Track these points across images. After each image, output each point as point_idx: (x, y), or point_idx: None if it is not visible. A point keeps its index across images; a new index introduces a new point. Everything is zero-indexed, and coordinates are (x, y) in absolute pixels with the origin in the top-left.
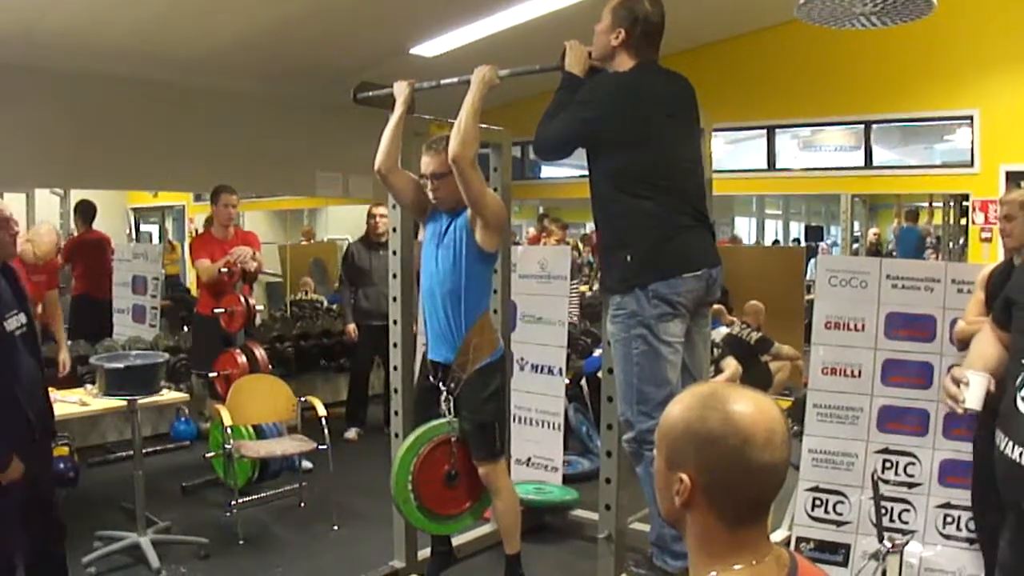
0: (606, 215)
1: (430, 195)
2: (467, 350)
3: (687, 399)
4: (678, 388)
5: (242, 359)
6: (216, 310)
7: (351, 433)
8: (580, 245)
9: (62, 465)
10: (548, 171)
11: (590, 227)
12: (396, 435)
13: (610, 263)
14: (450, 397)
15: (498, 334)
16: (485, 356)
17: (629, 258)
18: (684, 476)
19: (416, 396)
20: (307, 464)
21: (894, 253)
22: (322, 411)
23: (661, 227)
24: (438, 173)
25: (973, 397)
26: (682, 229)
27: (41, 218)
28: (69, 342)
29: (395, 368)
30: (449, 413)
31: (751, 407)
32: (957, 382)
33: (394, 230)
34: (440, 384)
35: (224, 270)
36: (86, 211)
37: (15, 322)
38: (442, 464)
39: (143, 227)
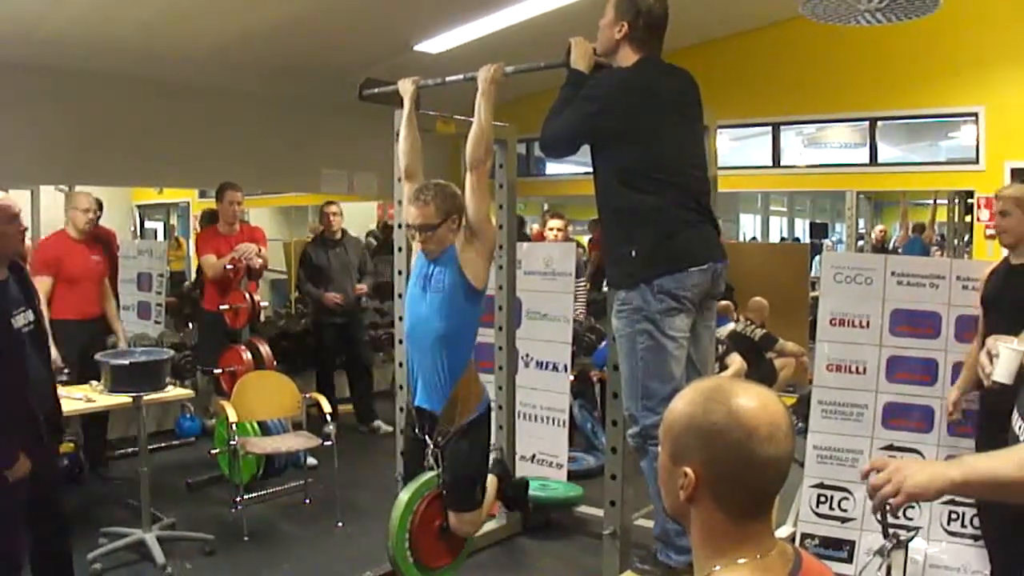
0: (610, 210)
1: (418, 245)
2: (455, 404)
3: (691, 394)
4: (683, 383)
5: (247, 355)
6: (221, 307)
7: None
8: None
9: (67, 461)
10: (553, 168)
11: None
12: (401, 431)
13: (615, 258)
14: (437, 451)
15: (483, 385)
16: (472, 410)
17: (634, 253)
18: (688, 470)
19: (406, 446)
20: (312, 460)
21: (899, 251)
22: (327, 407)
23: (665, 222)
24: (426, 226)
25: (1002, 370)
26: (686, 224)
27: (46, 216)
28: None
29: (400, 365)
30: (438, 466)
31: (754, 401)
32: (990, 354)
33: (399, 226)
34: (427, 437)
35: (229, 267)
36: None
37: (23, 319)
38: (435, 518)
39: (147, 224)
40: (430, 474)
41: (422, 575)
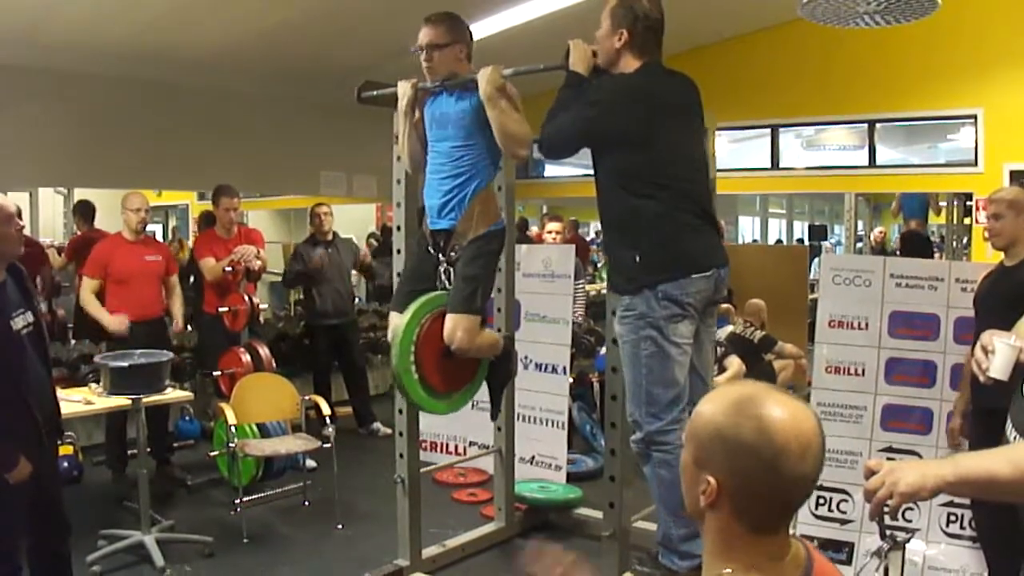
0: (613, 215)
1: (423, 66)
2: (471, 217)
3: (722, 401)
4: (686, 389)
5: (246, 358)
6: (220, 309)
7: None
8: None
9: (66, 464)
10: (552, 170)
11: (595, 227)
12: (400, 434)
13: (617, 263)
14: (449, 268)
15: (500, 208)
16: (487, 224)
17: (637, 258)
18: (711, 479)
19: (412, 267)
20: (311, 463)
21: (901, 213)
22: (326, 410)
23: (668, 227)
24: (432, 45)
25: (998, 366)
26: (689, 229)
27: (44, 217)
28: (74, 341)
29: None
30: (450, 284)
31: (787, 416)
32: (986, 350)
33: (398, 228)
34: (440, 255)
35: (228, 269)
36: (85, 210)
37: (22, 321)
38: (442, 334)
39: (147, 226)
40: (440, 292)
41: (427, 396)
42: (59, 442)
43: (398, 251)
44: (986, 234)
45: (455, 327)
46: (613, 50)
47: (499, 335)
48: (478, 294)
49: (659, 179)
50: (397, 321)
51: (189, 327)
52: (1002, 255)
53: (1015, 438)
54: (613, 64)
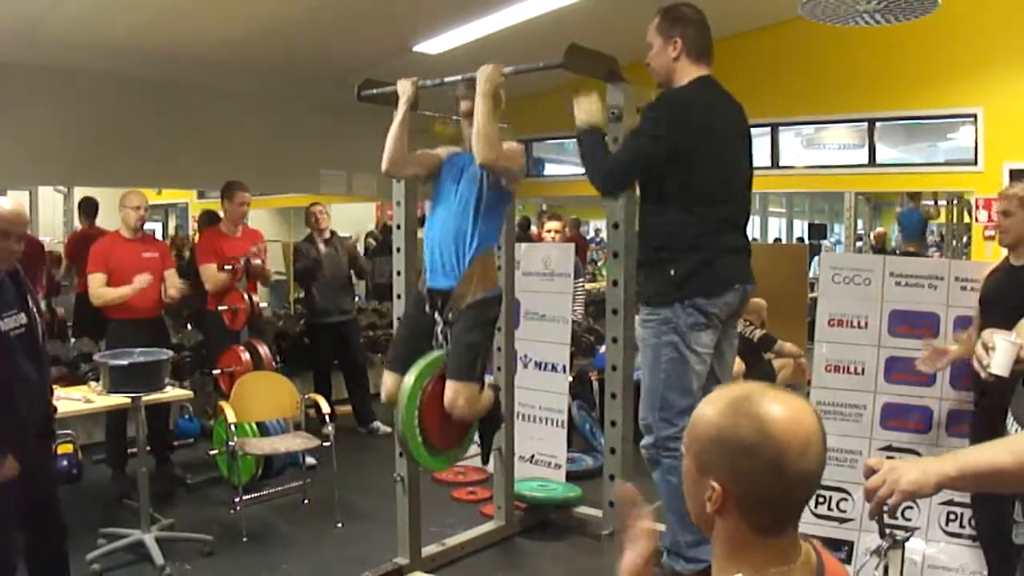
0: (653, 227)
1: (465, 131)
2: (469, 280)
3: (720, 403)
4: (700, 399)
5: (246, 356)
6: (220, 307)
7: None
8: None
9: (66, 462)
10: (551, 168)
11: (594, 225)
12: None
13: (651, 275)
14: (447, 328)
15: (498, 275)
16: (485, 290)
17: (672, 273)
18: (715, 484)
19: (408, 327)
20: (311, 461)
21: (898, 235)
22: (326, 408)
23: (709, 247)
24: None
25: (999, 362)
26: (727, 252)
27: (44, 216)
28: (73, 339)
29: None
30: (446, 343)
31: (786, 414)
32: (987, 346)
33: (398, 227)
34: (436, 314)
35: (228, 268)
36: (88, 208)
37: (13, 322)
38: (443, 398)
39: (146, 225)
40: (438, 352)
41: (430, 456)
42: (53, 443)
43: (398, 249)
44: (986, 233)
45: (456, 396)
46: (670, 62)
47: (489, 390)
48: (478, 362)
49: (706, 199)
50: (393, 384)
51: (189, 325)
52: (1005, 252)
53: (1016, 430)
54: (671, 79)
